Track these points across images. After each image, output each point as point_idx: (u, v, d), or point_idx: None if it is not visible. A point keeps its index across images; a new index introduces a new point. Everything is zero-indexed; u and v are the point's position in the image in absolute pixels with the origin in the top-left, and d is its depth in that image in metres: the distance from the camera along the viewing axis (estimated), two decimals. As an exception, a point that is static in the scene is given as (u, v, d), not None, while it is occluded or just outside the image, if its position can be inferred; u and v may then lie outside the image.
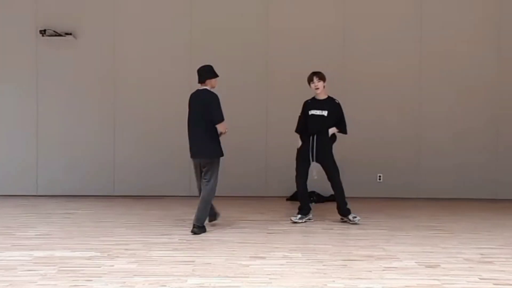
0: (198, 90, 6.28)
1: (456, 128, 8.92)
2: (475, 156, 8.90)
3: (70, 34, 8.77)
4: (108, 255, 5.02)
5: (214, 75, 6.24)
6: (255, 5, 8.97)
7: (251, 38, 8.93)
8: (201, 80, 6.25)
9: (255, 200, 8.55)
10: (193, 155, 6.18)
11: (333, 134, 6.85)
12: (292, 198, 8.54)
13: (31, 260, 4.83)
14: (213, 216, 6.41)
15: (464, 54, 8.92)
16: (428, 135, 8.95)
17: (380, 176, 8.96)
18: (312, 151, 6.69)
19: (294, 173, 6.88)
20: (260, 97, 8.93)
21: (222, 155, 6.17)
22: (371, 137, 8.92)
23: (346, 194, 8.78)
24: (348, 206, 6.75)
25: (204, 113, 6.07)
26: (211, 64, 6.40)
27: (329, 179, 6.78)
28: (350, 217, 6.69)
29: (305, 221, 6.69)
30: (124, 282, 4.19)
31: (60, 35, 8.75)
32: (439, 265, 4.76)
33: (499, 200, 8.80)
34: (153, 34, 8.92)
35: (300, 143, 6.89)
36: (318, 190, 8.54)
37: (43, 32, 8.69)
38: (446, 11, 8.94)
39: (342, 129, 6.88)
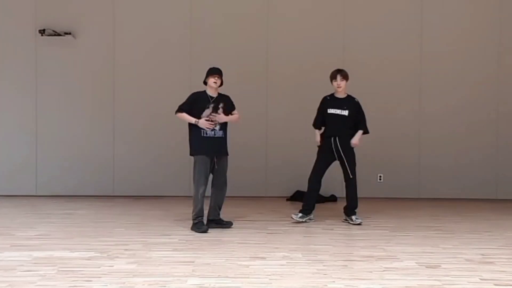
0: None
1: (456, 128, 8.91)
2: (476, 156, 8.90)
3: (69, 33, 8.77)
4: (108, 255, 5.00)
5: (205, 76, 6.29)
6: (255, 4, 8.95)
7: (251, 37, 8.92)
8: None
9: (255, 200, 8.53)
10: None
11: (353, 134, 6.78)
12: (292, 198, 8.53)
13: (30, 260, 4.82)
14: (211, 221, 6.35)
15: (465, 52, 8.92)
16: (429, 136, 8.93)
17: (380, 176, 8.95)
18: (334, 152, 6.64)
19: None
20: (260, 96, 8.91)
21: (191, 153, 6.22)
22: (372, 137, 8.83)
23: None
24: (357, 209, 6.73)
25: None
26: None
27: (346, 177, 6.71)
28: (353, 217, 6.67)
29: (305, 221, 6.66)
30: (124, 283, 4.17)
31: (59, 34, 8.74)
32: (440, 266, 4.74)
33: (499, 200, 8.79)
34: (153, 33, 8.91)
35: (318, 137, 6.82)
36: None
37: (42, 32, 8.68)
38: (447, 10, 8.93)
39: (364, 129, 6.82)
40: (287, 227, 6.43)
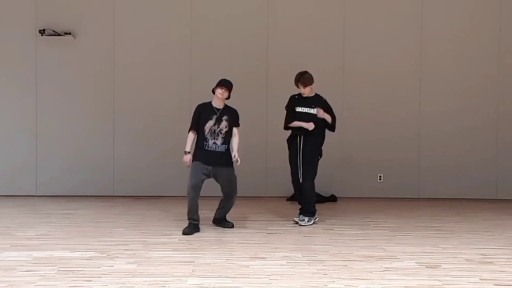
0: None
1: (456, 128, 8.91)
2: (476, 156, 8.90)
3: (69, 33, 8.76)
4: (108, 255, 5.01)
5: (215, 85, 6.29)
6: (255, 4, 8.95)
7: (251, 37, 8.92)
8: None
9: (255, 200, 8.53)
10: None
11: (323, 135, 6.71)
12: (292, 198, 8.52)
13: (30, 260, 4.82)
14: (215, 219, 6.44)
15: (465, 52, 8.92)
16: (429, 136, 8.93)
17: (380, 176, 8.95)
18: (300, 153, 6.57)
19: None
20: (260, 96, 8.91)
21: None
22: (372, 137, 8.91)
23: (347, 194, 8.89)
24: (315, 213, 6.66)
25: None
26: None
27: (303, 179, 6.59)
28: (305, 218, 6.54)
29: (313, 223, 6.55)
30: (124, 283, 4.18)
31: (59, 34, 8.74)
32: (440, 266, 4.74)
33: (499, 200, 8.79)
34: (153, 33, 8.90)
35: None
36: (318, 190, 8.53)
37: (42, 32, 8.68)
38: (447, 10, 8.93)
39: (333, 122, 6.70)
40: (287, 227, 6.44)
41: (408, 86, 8.95)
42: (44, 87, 8.87)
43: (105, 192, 8.85)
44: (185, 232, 5.95)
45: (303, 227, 6.46)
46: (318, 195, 8.53)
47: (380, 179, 8.95)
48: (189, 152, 6.21)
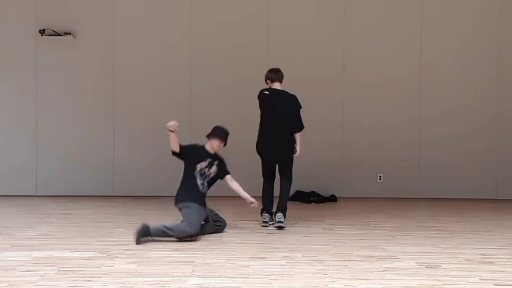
0: None
1: (456, 128, 8.91)
2: (476, 156, 8.90)
3: (69, 33, 8.77)
4: (108, 255, 5.00)
5: (211, 132, 6.24)
6: (255, 5, 8.95)
7: (251, 39, 8.91)
8: None
9: (255, 200, 8.50)
10: None
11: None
12: (292, 198, 8.52)
13: (30, 260, 4.82)
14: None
15: (465, 53, 8.92)
16: (429, 135, 8.93)
17: (380, 176, 8.95)
18: None
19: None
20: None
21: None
22: (372, 137, 8.91)
23: (347, 194, 8.88)
24: (263, 211, 6.59)
25: None
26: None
27: None
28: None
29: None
30: (124, 283, 4.17)
31: (59, 34, 8.74)
32: (440, 266, 4.74)
33: (499, 200, 8.79)
34: (153, 33, 8.91)
35: None
36: (318, 190, 8.56)
37: (42, 32, 8.68)
38: (447, 10, 8.94)
39: None
40: (287, 227, 6.43)
41: (408, 87, 8.95)
42: (44, 87, 8.87)
43: (105, 192, 8.85)
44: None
45: (304, 227, 6.45)
46: (318, 195, 8.55)
47: (380, 179, 8.95)
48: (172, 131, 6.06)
